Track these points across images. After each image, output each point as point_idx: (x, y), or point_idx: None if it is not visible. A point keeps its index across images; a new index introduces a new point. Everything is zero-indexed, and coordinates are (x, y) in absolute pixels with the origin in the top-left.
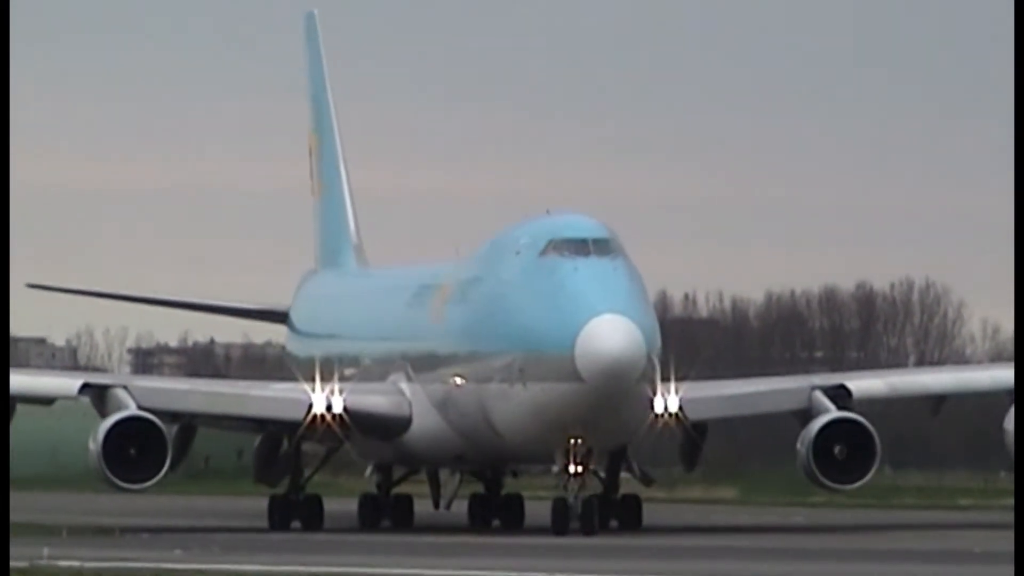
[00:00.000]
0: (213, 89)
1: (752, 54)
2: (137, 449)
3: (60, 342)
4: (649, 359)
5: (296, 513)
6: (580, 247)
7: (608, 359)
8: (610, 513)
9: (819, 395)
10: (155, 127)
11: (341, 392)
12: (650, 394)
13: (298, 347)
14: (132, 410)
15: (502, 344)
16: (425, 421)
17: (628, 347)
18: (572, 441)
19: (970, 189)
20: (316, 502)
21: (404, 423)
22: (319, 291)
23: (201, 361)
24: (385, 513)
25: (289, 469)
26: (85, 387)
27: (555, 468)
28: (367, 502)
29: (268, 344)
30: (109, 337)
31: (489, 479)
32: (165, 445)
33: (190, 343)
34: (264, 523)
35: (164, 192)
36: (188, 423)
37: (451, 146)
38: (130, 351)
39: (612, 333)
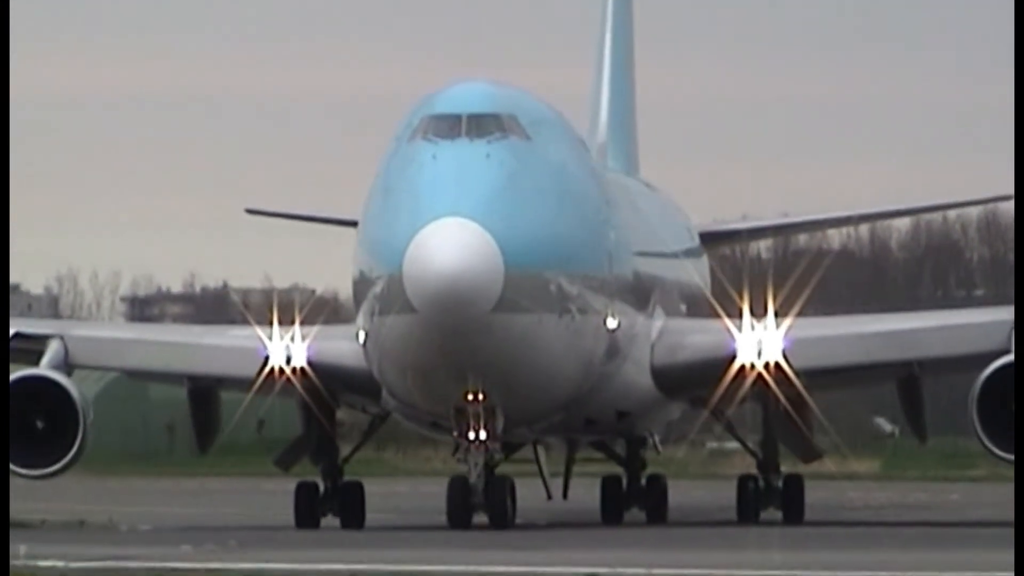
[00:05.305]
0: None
1: None
2: (44, 421)
3: (37, 289)
4: (531, 278)
5: (331, 505)
6: (452, 127)
7: (437, 279)
8: (770, 500)
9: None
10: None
11: (304, 338)
12: (566, 327)
13: None
14: (38, 368)
15: (361, 266)
16: None
17: (467, 262)
18: (470, 398)
19: None
20: (358, 491)
21: (373, 378)
22: None
23: (212, 309)
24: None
25: (311, 447)
26: (17, 338)
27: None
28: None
29: (294, 288)
30: (97, 283)
31: (624, 455)
32: (76, 415)
33: (198, 289)
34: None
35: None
36: (198, 385)
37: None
38: (124, 299)
39: (446, 243)
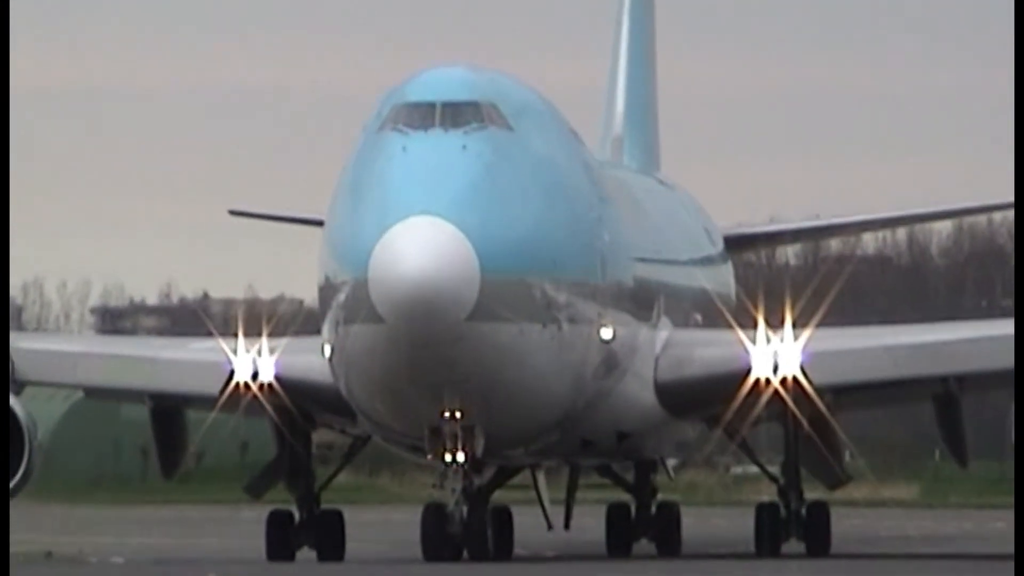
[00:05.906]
0: None
1: None
2: None
3: None
4: (511, 284)
5: (306, 536)
6: (424, 116)
7: (405, 285)
8: (792, 530)
9: None
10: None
11: (273, 351)
12: (552, 338)
13: None
14: None
15: (326, 270)
16: None
17: (439, 266)
18: (446, 416)
19: None
20: (336, 521)
21: (341, 396)
22: None
23: (190, 322)
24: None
25: (283, 472)
26: None
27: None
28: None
29: (280, 299)
30: (65, 293)
31: (632, 481)
32: (22, 436)
33: (175, 299)
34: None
35: None
36: (161, 404)
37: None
38: (94, 311)
39: (416, 245)
